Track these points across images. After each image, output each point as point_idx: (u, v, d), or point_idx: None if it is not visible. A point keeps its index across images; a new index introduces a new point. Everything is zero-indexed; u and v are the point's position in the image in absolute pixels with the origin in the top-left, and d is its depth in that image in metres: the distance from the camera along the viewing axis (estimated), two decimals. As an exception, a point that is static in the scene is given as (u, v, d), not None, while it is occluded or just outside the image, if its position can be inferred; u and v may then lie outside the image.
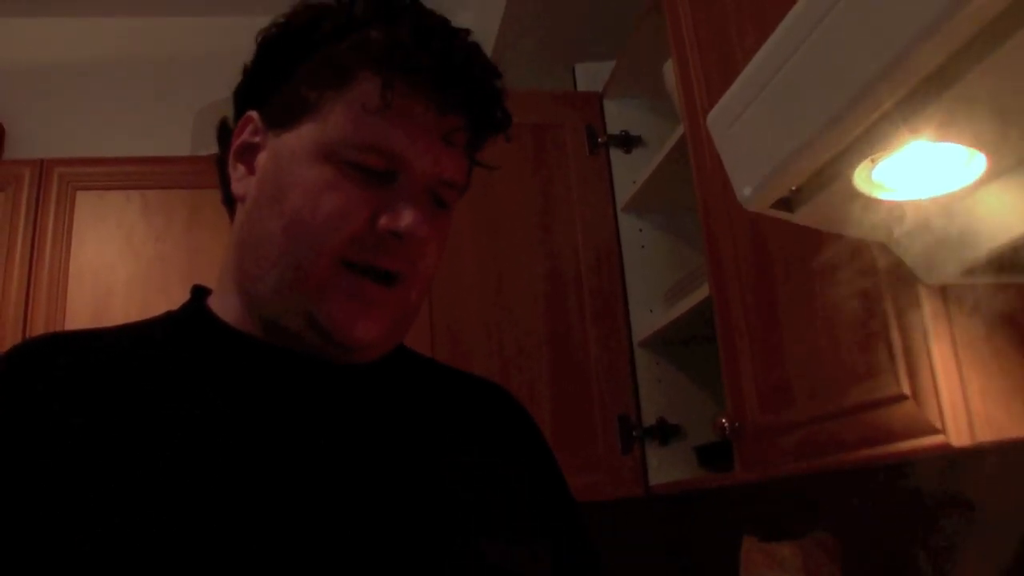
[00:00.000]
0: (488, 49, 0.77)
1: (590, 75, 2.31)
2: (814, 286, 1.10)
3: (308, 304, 0.71)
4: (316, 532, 0.64)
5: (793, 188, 0.76)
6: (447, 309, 1.95)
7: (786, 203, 0.78)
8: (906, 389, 0.91)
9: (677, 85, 1.56)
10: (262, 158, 0.76)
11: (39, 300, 2.01)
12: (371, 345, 0.74)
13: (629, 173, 2.09)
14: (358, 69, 0.72)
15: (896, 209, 0.76)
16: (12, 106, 2.53)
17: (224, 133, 0.81)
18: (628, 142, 2.13)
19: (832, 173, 0.71)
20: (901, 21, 0.55)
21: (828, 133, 0.66)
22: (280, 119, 0.75)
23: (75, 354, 0.71)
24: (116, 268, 2.07)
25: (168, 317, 0.80)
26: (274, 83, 0.76)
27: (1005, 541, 1.12)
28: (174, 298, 0.82)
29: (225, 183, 0.80)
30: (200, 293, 0.82)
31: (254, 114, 0.77)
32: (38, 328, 1.97)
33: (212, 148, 0.84)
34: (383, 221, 0.71)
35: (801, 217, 0.80)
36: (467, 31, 0.76)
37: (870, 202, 0.74)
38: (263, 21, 0.78)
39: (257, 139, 0.77)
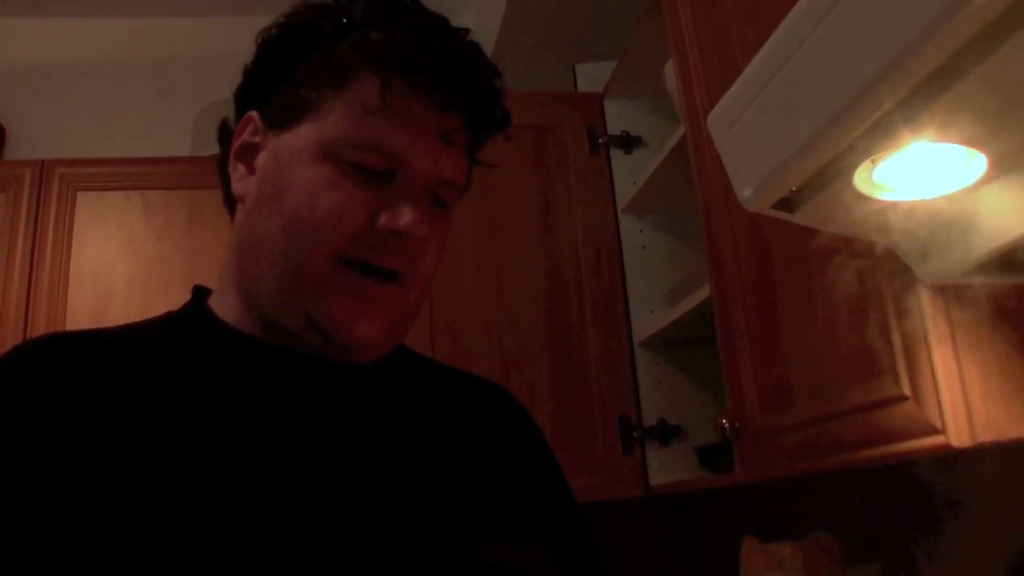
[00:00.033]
0: (489, 49, 0.77)
1: (591, 75, 2.31)
2: (814, 287, 1.10)
3: (307, 303, 0.71)
4: (316, 532, 0.64)
5: (793, 188, 0.76)
6: (447, 309, 1.95)
7: (786, 203, 0.78)
8: (906, 390, 0.91)
9: (677, 85, 1.56)
10: (262, 158, 0.76)
11: (40, 300, 2.01)
12: (371, 344, 0.74)
13: (629, 173, 2.09)
14: (357, 69, 0.72)
15: (897, 209, 0.76)
16: (13, 107, 2.53)
17: (225, 134, 0.81)
18: (628, 142, 2.13)
19: (832, 173, 0.71)
20: (901, 21, 0.55)
21: (829, 133, 0.66)
22: (280, 119, 0.75)
23: (75, 354, 0.71)
24: (116, 268, 2.07)
25: (168, 317, 0.80)
26: (274, 83, 0.76)
27: (1005, 542, 1.12)
28: (174, 299, 0.82)
29: (225, 183, 0.80)
30: (201, 293, 0.82)
31: (254, 114, 0.78)
32: (39, 328, 1.97)
33: (212, 149, 0.84)
34: (383, 220, 0.71)
35: (801, 217, 0.80)
36: (467, 30, 0.76)
37: (871, 202, 0.74)
38: (263, 22, 0.78)
39: (257, 139, 0.77)
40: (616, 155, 2.13)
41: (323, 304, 0.71)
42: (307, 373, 0.74)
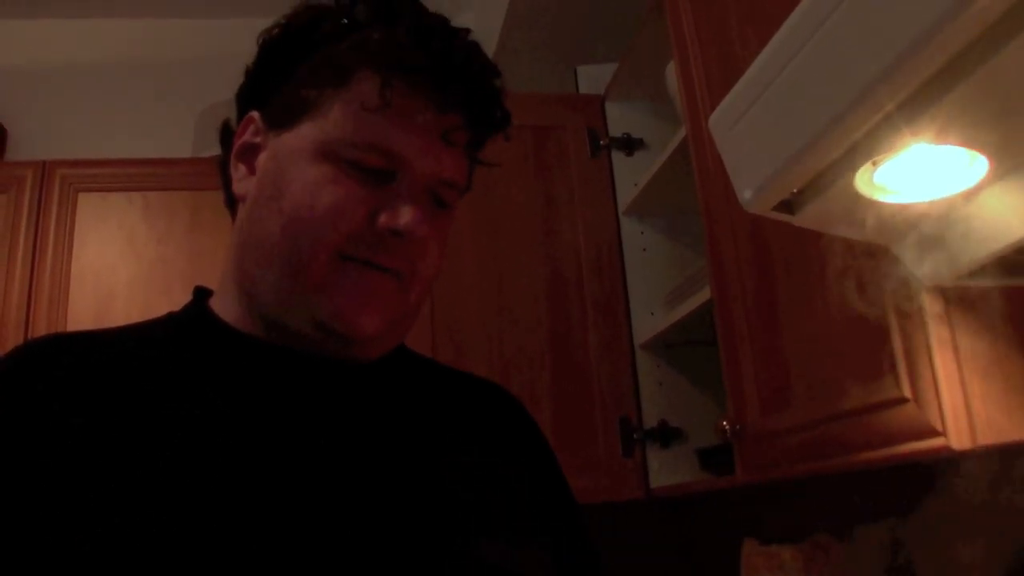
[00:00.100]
0: (490, 51, 0.77)
1: (592, 77, 2.31)
2: (815, 289, 1.10)
3: (310, 301, 0.71)
4: (316, 532, 0.64)
5: (794, 190, 0.76)
6: (448, 311, 1.95)
7: (787, 205, 0.78)
8: (907, 392, 0.91)
9: (679, 87, 1.56)
10: (263, 158, 0.76)
11: (41, 302, 2.01)
12: (372, 338, 0.74)
13: (631, 176, 2.09)
14: (357, 68, 0.72)
15: (898, 212, 0.76)
16: (14, 108, 2.54)
17: (226, 134, 0.81)
18: (630, 144, 2.13)
19: (834, 176, 0.71)
20: (903, 24, 0.55)
21: (830, 135, 0.66)
22: (281, 119, 0.75)
23: (77, 355, 0.71)
24: (118, 270, 2.07)
25: (169, 318, 0.80)
26: (275, 84, 0.76)
27: (1006, 543, 1.12)
28: (176, 300, 0.82)
29: (227, 184, 0.80)
30: (202, 294, 0.82)
31: (255, 115, 0.78)
32: (40, 330, 1.97)
33: (213, 150, 0.84)
34: (383, 219, 0.71)
35: (802, 219, 0.80)
36: (467, 30, 0.76)
37: (872, 205, 0.74)
38: (264, 23, 0.78)
39: (258, 139, 0.77)
40: (617, 157, 2.13)
41: (326, 300, 0.71)
42: (308, 373, 0.74)
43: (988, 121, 0.62)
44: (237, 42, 0.93)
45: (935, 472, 1.24)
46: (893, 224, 0.78)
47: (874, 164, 0.69)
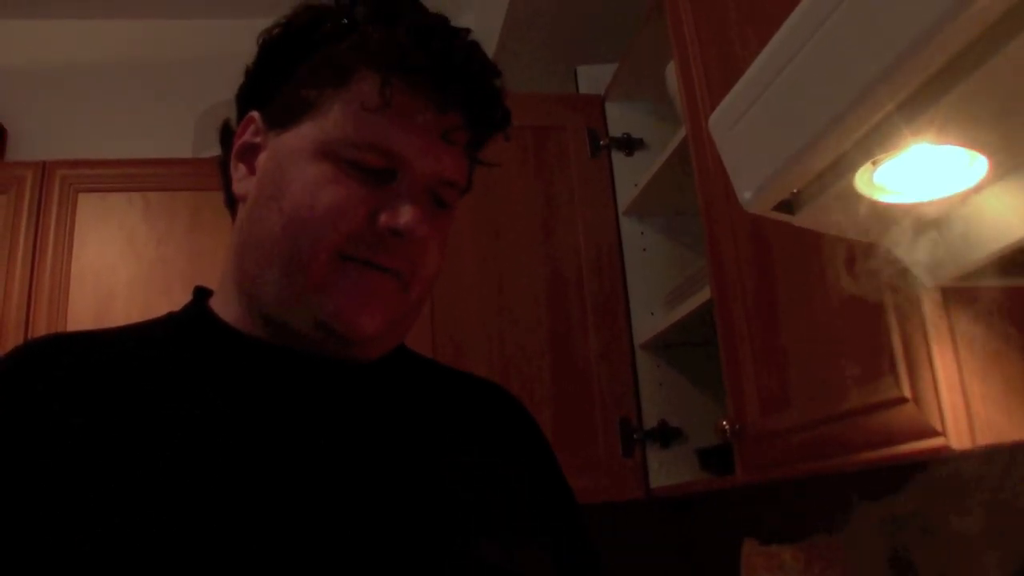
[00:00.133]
0: (490, 51, 0.77)
1: (592, 78, 2.31)
2: (815, 289, 1.10)
3: (311, 301, 0.71)
4: (316, 532, 0.64)
5: (794, 190, 0.76)
6: (448, 311, 1.95)
7: (787, 205, 0.78)
8: (907, 392, 0.91)
9: (679, 88, 1.57)
10: (263, 158, 0.76)
11: (41, 302, 2.01)
12: (373, 338, 0.74)
13: (631, 176, 2.09)
14: (357, 68, 0.72)
15: (897, 212, 0.76)
16: (14, 108, 2.54)
17: (227, 135, 0.81)
18: (630, 145, 2.13)
19: (833, 176, 0.71)
20: (902, 24, 0.55)
21: (829, 136, 0.66)
22: (281, 119, 0.75)
23: (77, 355, 0.71)
24: (118, 270, 2.07)
25: (169, 318, 0.80)
26: (275, 83, 0.76)
27: (1006, 544, 1.12)
28: (176, 300, 0.82)
29: (227, 184, 0.81)
30: (202, 294, 0.82)
31: (255, 115, 0.78)
32: (40, 330, 1.97)
33: (214, 150, 0.84)
34: (383, 219, 0.71)
35: (802, 219, 0.80)
36: (467, 30, 0.76)
37: (871, 205, 0.74)
38: (264, 23, 0.78)
39: (258, 139, 0.77)
40: (617, 157, 2.13)
41: (327, 301, 0.71)
42: (308, 373, 0.74)
43: (988, 121, 0.62)
44: (237, 42, 0.93)
45: (935, 472, 1.24)
46: (893, 224, 0.78)
47: (874, 164, 0.69)
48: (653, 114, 2.15)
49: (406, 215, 0.71)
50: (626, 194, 2.07)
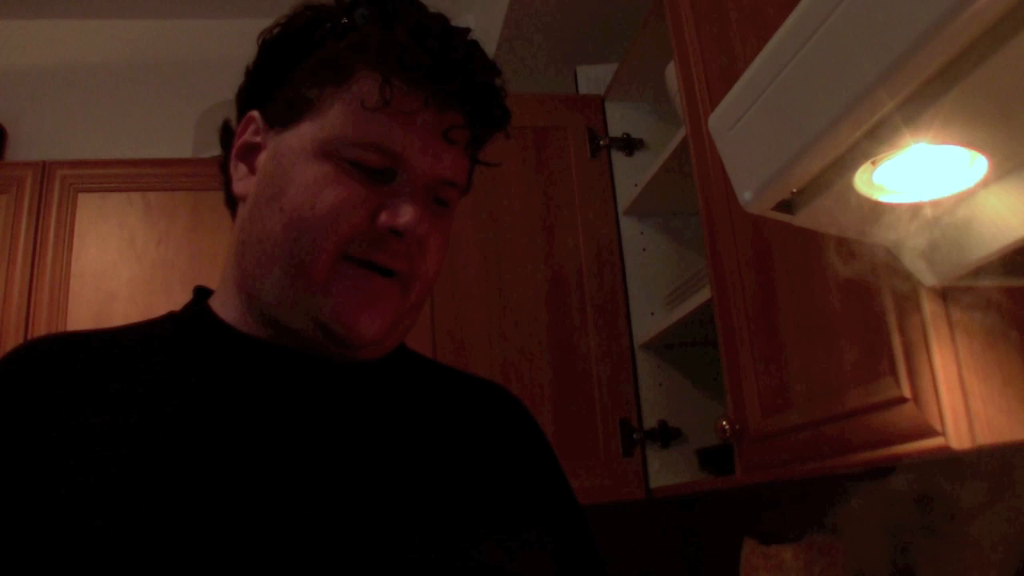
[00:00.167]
0: (490, 52, 0.77)
1: (592, 78, 2.31)
2: (815, 289, 1.10)
3: (311, 301, 0.71)
4: (315, 532, 0.64)
5: (794, 190, 0.76)
6: (448, 312, 1.95)
7: (787, 205, 0.79)
8: (906, 392, 0.91)
9: (679, 88, 1.57)
10: (263, 157, 0.76)
11: (41, 302, 2.01)
12: (373, 340, 0.74)
13: (631, 176, 2.09)
14: (357, 67, 0.72)
15: (897, 211, 0.76)
16: (14, 108, 2.54)
17: (227, 134, 0.81)
18: (630, 145, 2.13)
19: (833, 176, 0.71)
20: (902, 24, 0.55)
21: (829, 136, 0.66)
22: (281, 118, 0.75)
23: (76, 354, 0.71)
24: (118, 270, 2.07)
25: (169, 317, 0.80)
26: (275, 83, 0.76)
27: (1007, 545, 1.12)
28: (176, 300, 0.82)
29: (227, 184, 0.81)
30: (202, 294, 0.82)
31: (255, 114, 0.78)
32: (40, 330, 1.97)
33: (214, 150, 0.84)
34: (383, 218, 0.71)
35: (802, 219, 0.80)
36: (467, 30, 0.76)
37: (871, 204, 0.74)
38: (265, 23, 0.78)
39: (258, 139, 0.77)
40: (617, 157, 2.13)
41: (328, 302, 0.71)
42: (308, 372, 0.74)
43: (988, 121, 0.62)
44: (237, 42, 0.93)
45: (935, 472, 1.24)
46: (893, 224, 0.78)
47: (873, 164, 0.69)
48: (653, 114, 2.15)
49: (406, 214, 0.71)
50: (626, 194, 2.08)
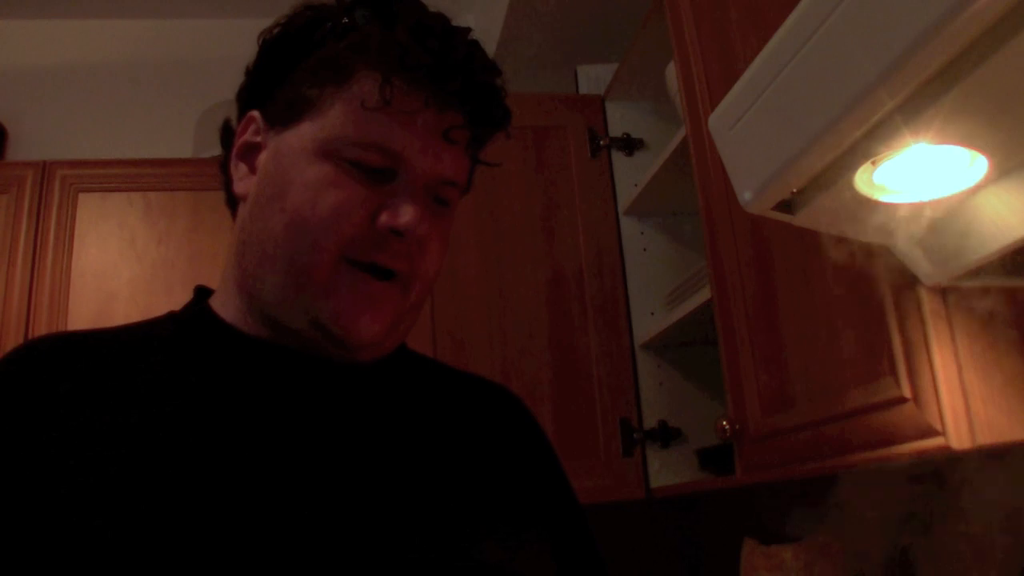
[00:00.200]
0: (490, 52, 0.77)
1: (592, 78, 2.32)
2: (815, 289, 1.10)
3: (312, 303, 0.71)
4: (315, 532, 0.64)
5: (794, 190, 0.76)
6: (449, 312, 1.95)
7: (787, 205, 0.79)
8: (907, 392, 0.91)
9: (679, 88, 1.57)
10: (263, 157, 0.76)
11: (41, 302, 2.01)
12: (373, 342, 0.74)
13: (631, 176, 2.09)
14: (357, 67, 0.72)
15: (897, 211, 0.76)
16: (14, 108, 2.54)
17: (227, 134, 0.81)
18: (630, 145, 2.13)
19: (833, 175, 0.71)
20: (902, 23, 0.55)
21: (829, 135, 0.66)
22: (281, 118, 0.75)
23: (77, 354, 0.71)
24: (118, 270, 2.07)
25: (170, 317, 0.80)
26: (275, 83, 0.76)
27: (1007, 544, 1.12)
28: (176, 300, 0.82)
29: (228, 183, 0.81)
30: (203, 293, 0.82)
31: (256, 114, 0.78)
32: (40, 330, 1.97)
33: (214, 150, 0.84)
34: (383, 219, 0.71)
35: (802, 219, 0.80)
36: (467, 29, 0.76)
37: (871, 204, 0.74)
38: (265, 23, 0.78)
39: (259, 139, 0.77)
40: (617, 157, 2.13)
41: (328, 303, 0.71)
42: (308, 372, 0.74)
43: (988, 120, 0.62)
44: (237, 42, 0.93)
45: (936, 472, 1.24)
46: (893, 224, 0.79)
47: (874, 164, 0.69)
48: (653, 114, 2.15)
49: (406, 215, 0.71)
50: (626, 194, 2.08)
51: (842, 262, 1.01)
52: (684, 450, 1.91)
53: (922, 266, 0.86)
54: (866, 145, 0.66)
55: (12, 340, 1.93)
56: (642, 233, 2.08)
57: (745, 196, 0.78)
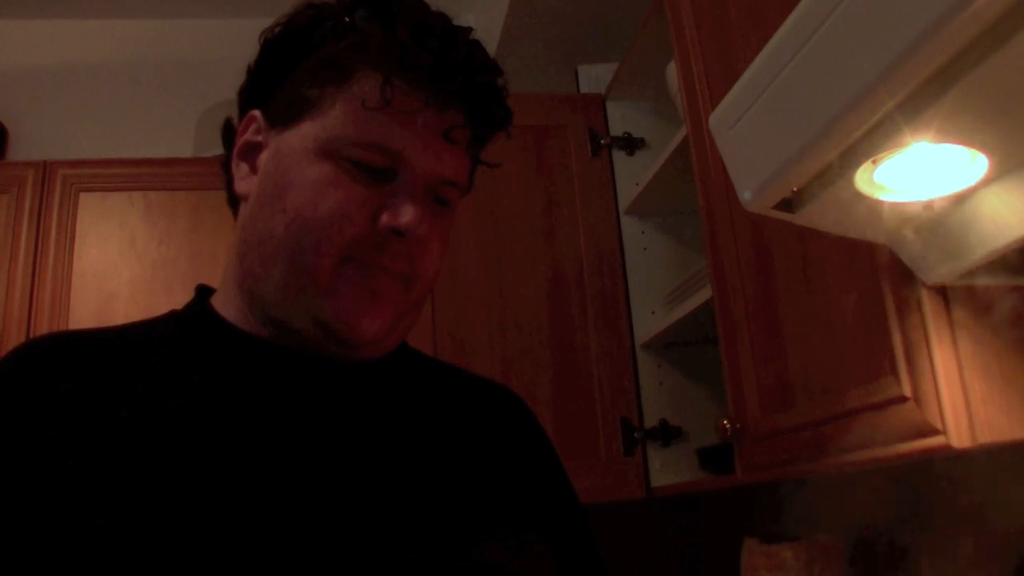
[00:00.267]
0: (491, 51, 0.77)
1: (593, 77, 2.31)
2: (815, 288, 1.10)
3: (313, 302, 0.71)
4: (315, 532, 0.64)
5: (794, 189, 0.76)
6: (449, 312, 1.95)
7: (787, 204, 0.79)
8: (907, 391, 0.91)
9: (680, 87, 1.57)
10: (264, 157, 0.76)
11: (42, 302, 2.01)
12: (374, 341, 0.74)
13: (631, 175, 2.09)
14: (358, 66, 0.72)
15: (898, 210, 0.76)
16: (15, 107, 2.54)
17: (228, 133, 0.81)
18: (631, 144, 2.13)
19: (834, 174, 0.71)
20: (902, 22, 0.55)
21: (830, 134, 0.66)
22: (282, 117, 0.75)
23: (78, 353, 0.71)
24: (119, 270, 2.07)
25: (171, 316, 0.80)
26: (276, 82, 0.76)
27: (1005, 543, 1.12)
28: (177, 300, 0.82)
29: (229, 183, 0.81)
30: (204, 293, 0.82)
31: (257, 113, 0.78)
32: (41, 330, 1.97)
33: (215, 150, 0.84)
34: (384, 219, 0.71)
35: (802, 218, 0.80)
36: (468, 29, 0.76)
37: (872, 203, 0.74)
38: (265, 23, 0.78)
39: (260, 138, 0.77)
40: (618, 157, 2.13)
41: (330, 304, 0.71)
42: (310, 372, 0.74)
43: (988, 119, 0.62)
44: (237, 42, 0.93)
45: (936, 471, 1.24)
46: (893, 223, 0.79)
47: (874, 163, 0.69)
48: (654, 113, 2.15)
49: (407, 215, 0.71)
50: (627, 193, 2.08)
51: (842, 261, 1.01)
52: (684, 449, 1.91)
53: (922, 265, 0.86)
54: (866, 144, 0.66)
55: (13, 339, 1.93)
56: (643, 232, 2.08)
57: (745, 195, 0.78)
